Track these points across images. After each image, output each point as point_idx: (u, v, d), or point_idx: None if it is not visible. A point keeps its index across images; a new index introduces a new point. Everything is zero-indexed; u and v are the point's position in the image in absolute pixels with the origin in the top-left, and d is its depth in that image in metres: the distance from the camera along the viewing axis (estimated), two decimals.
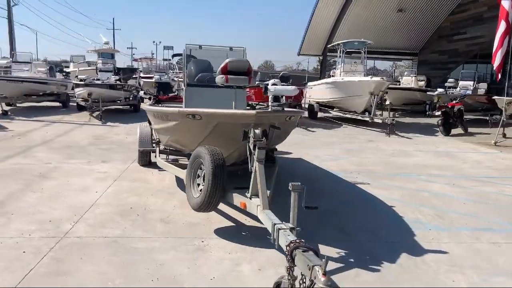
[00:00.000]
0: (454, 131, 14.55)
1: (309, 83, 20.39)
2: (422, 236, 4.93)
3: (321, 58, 31.66)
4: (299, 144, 11.29)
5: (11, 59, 19.80)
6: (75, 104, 17.28)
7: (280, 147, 10.29)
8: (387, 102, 22.67)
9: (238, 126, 4.35)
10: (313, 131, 14.34)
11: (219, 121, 4.52)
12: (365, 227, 5.16)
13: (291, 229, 3.43)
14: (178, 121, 5.00)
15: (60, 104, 18.58)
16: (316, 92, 18.83)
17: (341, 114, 17.18)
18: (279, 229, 3.41)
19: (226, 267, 3.92)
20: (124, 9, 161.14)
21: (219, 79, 5.54)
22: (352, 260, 4.22)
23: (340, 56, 17.65)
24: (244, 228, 4.96)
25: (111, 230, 4.67)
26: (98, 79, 15.83)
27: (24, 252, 4.02)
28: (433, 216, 5.68)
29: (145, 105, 6.35)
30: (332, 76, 18.50)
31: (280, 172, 7.78)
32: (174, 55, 31.18)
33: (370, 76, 15.50)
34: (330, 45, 19.78)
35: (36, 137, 10.90)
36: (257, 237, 4.67)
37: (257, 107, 15.38)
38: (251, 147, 4.15)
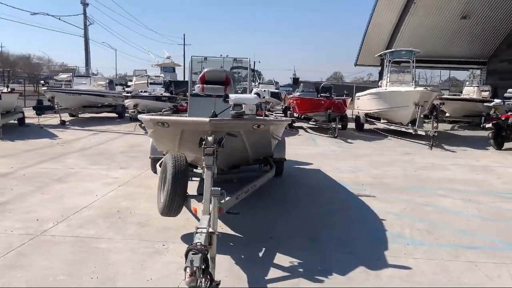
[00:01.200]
0: (510, 145, 13.54)
1: (357, 94, 19.98)
2: (394, 250, 4.70)
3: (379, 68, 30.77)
4: (326, 155, 11.14)
5: (71, 73, 21.54)
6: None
7: (302, 157, 10.28)
8: (447, 114, 21.68)
9: (201, 133, 4.47)
10: (351, 143, 14.02)
11: (183, 128, 4.67)
12: (339, 239, 5.03)
13: (211, 233, 3.47)
14: (153, 129, 5.22)
15: (117, 115, 19.83)
16: (363, 103, 18.42)
17: (387, 126, 16.69)
18: (196, 232, 3.47)
19: (170, 270, 4.03)
20: (195, 25, 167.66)
21: (196, 88, 5.72)
22: (301, 270, 4.14)
23: (386, 65, 17.15)
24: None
25: (86, 230, 4.97)
26: (145, 91, 16.71)
27: None
28: (421, 231, 5.38)
29: (141, 115, 6.64)
30: (380, 86, 18.00)
31: (287, 181, 7.82)
32: (232, 68, 32.36)
33: (414, 86, 14.85)
34: (376, 55, 19.25)
35: (78, 144, 11.76)
36: (220, 244, 4.74)
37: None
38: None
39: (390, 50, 17.29)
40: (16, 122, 15.25)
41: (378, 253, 4.62)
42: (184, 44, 65.21)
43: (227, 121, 4.49)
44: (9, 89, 14.20)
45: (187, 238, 4.85)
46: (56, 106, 16.29)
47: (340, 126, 17.73)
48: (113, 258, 4.23)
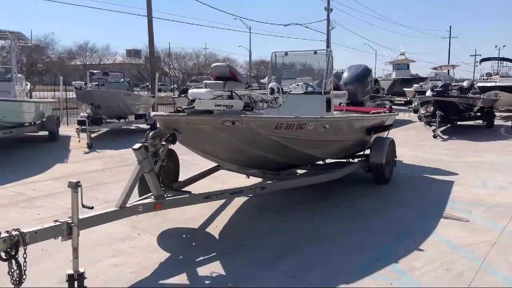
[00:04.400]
0: None
1: None
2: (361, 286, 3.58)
3: None
4: (496, 166, 8.74)
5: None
6: None
7: (458, 166, 8.46)
8: None
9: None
10: None
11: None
12: (310, 261, 4.11)
13: (68, 224, 3.48)
14: None
15: None
16: None
17: None
18: (55, 220, 3.53)
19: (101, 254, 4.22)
20: (466, 15, 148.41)
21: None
22: (207, 282, 3.69)
23: None
24: (197, 234, 4.90)
25: None
26: None
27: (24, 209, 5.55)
28: (448, 272, 3.86)
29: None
30: None
31: (376, 190, 6.69)
32: (482, 60, 27.78)
33: None
34: None
35: None
36: (185, 243, 4.63)
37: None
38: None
39: None
40: None
41: (331, 285, 3.60)
42: (450, 37, 60.21)
43: (167, 116, 4.34)
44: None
45: (169, 232, 4.94)
46: None
47: None
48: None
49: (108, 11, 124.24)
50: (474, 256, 4.21)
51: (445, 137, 13.17)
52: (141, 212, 4.17)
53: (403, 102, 25.58)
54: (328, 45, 35.54)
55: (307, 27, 45.06)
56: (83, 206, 3.57)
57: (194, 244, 4.61)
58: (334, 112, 7.25)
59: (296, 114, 5.58)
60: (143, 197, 4.53)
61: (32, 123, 11.47)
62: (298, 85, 5.42)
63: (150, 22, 20.23)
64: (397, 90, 26.54)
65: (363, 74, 8.74)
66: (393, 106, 21.29)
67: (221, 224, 5.14)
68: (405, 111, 19.63)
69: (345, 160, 6.99)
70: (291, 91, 5.48)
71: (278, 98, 5.14)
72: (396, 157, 7.49)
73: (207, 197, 4.64)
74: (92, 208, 3.73)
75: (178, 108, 4.63)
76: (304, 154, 5.55)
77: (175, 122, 4.35)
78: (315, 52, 6.74)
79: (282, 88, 5.20)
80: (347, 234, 4.83)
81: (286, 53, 7.03)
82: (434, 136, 12.91)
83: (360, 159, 6.90)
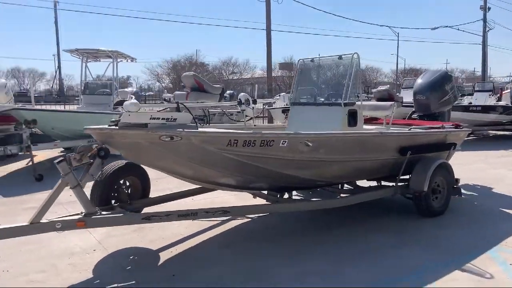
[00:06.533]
0: None
1: None
2: None
3: None
4: None
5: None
6: None
7: None
8: None
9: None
10: None
11: None
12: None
13: None
14: None
15: None
16: None
17: None
18: None
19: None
20: None
21: None
22: None
23: None
24: (145, 257, 4.54)
25: None
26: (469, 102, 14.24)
27: None
28: None
29: None
30: None
31: (428, 223, 5.50)
32: None
33: None
34: None
35: None
36: (123, 267, 4.32)
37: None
38: None
39: None
40: None
41: None
42: None
43: (96, 130, 4.05)
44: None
45: (122, 250, 4.70)
46: None
47: None
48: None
49: (245, 29, 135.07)
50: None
51: None
52: (60, 229, 3.97)
53: None
54: (484, 49, 31.20)
55: (458, 29, 40.23)
56: None
57: (128, 268, 4.25)
58: (369, 127, 6.14)
59: (310, 127, 4.84)
60: (72, 213, 4.35)
61: None
62: (280, 95, 4.71)
63: (269, 34, 20.40)
64: None
65: (438, 82, 7.10)
66: None
67: (182, 248, 4.69)
68: None
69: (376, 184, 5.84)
70: (274, 102, 4.79)
71: (245, 110, 4.51)
72: (456, 184, 5.98)
73: (147, 218, 4.23)
74: None
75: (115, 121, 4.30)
76: (289, 176, 4.73)
77: (107, 136, 4.10)
78: (340, 57, 5.76)
79: (254, 100, 4.56)
80: (300, 279, 3.91)
81: (312, 60, 6.19)
82: None
83: (395, 184, 5.64)
